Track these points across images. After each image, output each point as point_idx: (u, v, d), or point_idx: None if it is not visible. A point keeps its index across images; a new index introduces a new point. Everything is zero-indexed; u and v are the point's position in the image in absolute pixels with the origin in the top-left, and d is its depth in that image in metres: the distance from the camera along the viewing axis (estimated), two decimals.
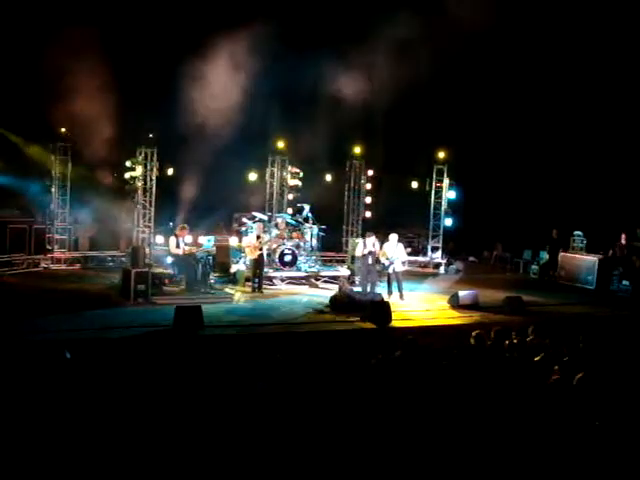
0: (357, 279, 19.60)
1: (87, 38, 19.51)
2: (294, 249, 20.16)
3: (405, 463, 6.82)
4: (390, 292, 18.11)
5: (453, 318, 16.28)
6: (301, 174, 24.12)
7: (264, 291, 18.46)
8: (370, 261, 17.91)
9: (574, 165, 25.20)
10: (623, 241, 21.55)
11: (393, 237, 18.28)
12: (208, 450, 7.21)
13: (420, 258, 24.67)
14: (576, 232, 23.74)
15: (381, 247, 18.08)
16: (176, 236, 17.78)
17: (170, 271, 18.52)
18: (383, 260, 17.96)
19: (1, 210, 20.59)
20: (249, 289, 18.47)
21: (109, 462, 6.91)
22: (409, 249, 19.61)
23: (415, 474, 6.73)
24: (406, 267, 19.06)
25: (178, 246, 17.70)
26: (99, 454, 7.02)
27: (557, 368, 8.54)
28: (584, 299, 19.63)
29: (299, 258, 20.29)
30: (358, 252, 18.58)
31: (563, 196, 25.33)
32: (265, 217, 21.07)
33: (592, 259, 21.61)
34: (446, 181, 25.08)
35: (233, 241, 20.89)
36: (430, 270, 24.44)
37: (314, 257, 21.42)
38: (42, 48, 19.50)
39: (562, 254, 22.70)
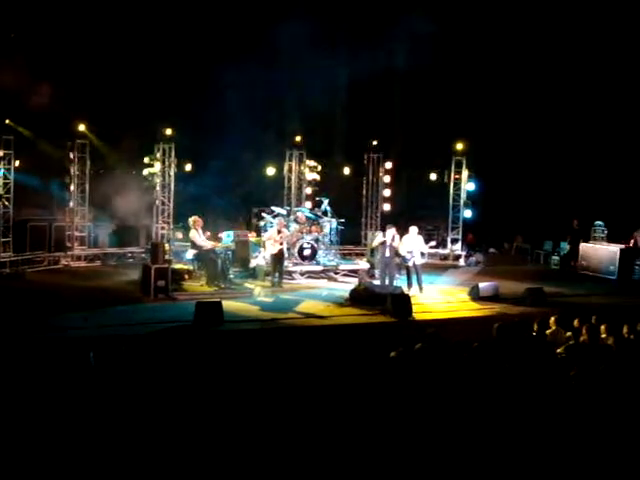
0: (376, 272, 19.56)
1: (104, 34, 19.61)
2: (313, 243, 20.14)
3: (426, 456, 6.79)
4: (410, 285, 18.03)
5: (473, 310, 16.21)
6: (319, 168, 24.09)
7: (284, 285, 18.43)
8: (388, 254, 17.81)
9: (594, 155, 24.97)
10: None
11: (413, 229, 18.19)
12: (229, 445, 7.20)
13: (440, 250, 24.55)
14: (597, 222, 23.56)
15: (400, 240, 17.99)
16: (195, 229, 17.82)
17: (190, 267, 18.57)
18: (404, 253, 17.86)
19: (21, 208, 20.70)
20: (269, 284, 18.45)
21: (129, 457, 6.93)
22: (433, 242, 19.49)
23: (437, 466, 6.69)
24: (425, 259, 18.99)
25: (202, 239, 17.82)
26: (119, 450, 7.03)
27: (580, 360, 8.47)
28: (606, 289, 19.47)
29: (318, 252, 20.27)
30: (375, 243, 18.58)
31: (583, 186, 25.10)
32: (284, 211, 21.06)
33: (614, 249, 21.41)
34: (465, 173, 24.92)
35: (252, 236, 20.88)
36: (450, 262, 24.33)
37: (333, 251, 21.39)
38: (59, 44, 19.62)
39: (583, 244, 22.53)
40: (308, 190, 24.11)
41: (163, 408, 8.12)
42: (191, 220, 18.04)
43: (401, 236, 17.97)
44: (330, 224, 21.26)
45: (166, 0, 21.38)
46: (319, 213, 21.35)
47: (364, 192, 25.84)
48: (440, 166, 25.76)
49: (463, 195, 25.03)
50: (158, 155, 21.79)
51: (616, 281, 20.69)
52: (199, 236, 17.77)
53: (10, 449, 6.93)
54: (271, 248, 18.44)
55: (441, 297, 17.66)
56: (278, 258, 18.41)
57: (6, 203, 19.39)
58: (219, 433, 7.46)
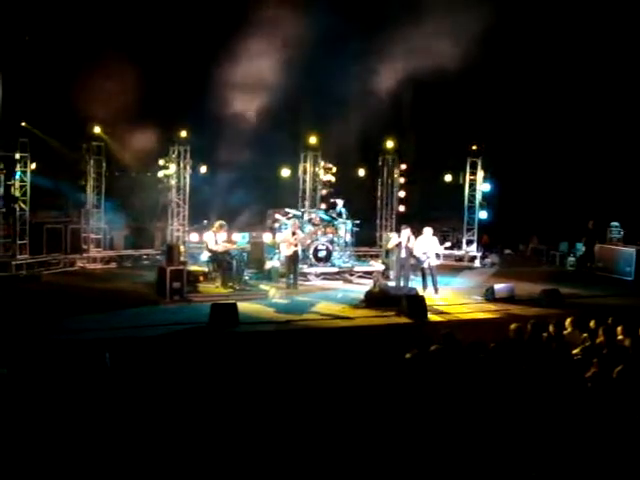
0: (392, 274, 19.49)
1: (119, 36, 19.66)
2: (328, 245, 20.12)
3: (442, 456, 6.77)
4: (425, 286, 17.96)
5: (489, 312, 16.14)
6: (334, 169, 24.08)
7: (299, 287, 18.43)
8: (403, 255, 17.78)
9: (610, 155, 24.84)
10: None
11: (427, 230, 18.12)
12: (243, 445, 7.21)
13: (455, 251, 24.47)
14: (613, 223, 23.43)
15: (415, 241, 17.94)
16: (213, 233, 17.84)
17: (205, 268, 18.59)
18: (418, 254, 17.80)
19: (38, 211, 20.80)
20: (284, 285, 18.45)
21: (144, 456, 6.95)
22: (448, 243, 19.39)
23: (452, 467, 6.68)
24: (440, 261, 18.94)
25: (216, 243, 17.76)
26: (134, 449, 7.06)
27: (596, 361, 8.43)
28: (623, 290, 19.36)
29: (333, 253, 20.25)
30: (391, 244, 18.56)
31: (599, 187, 24.97)
32: (298, 213, 21.05)
33: (630, 250, 21.31)
34: (480, 174, 24.81)
35: (267, 238, 20.89)
36: (465, 263, 24.26)
37: (348, 252, 21.38)
38: (73, 48, 19.70)
39: (599, 245, 22.44)
40: (323, 192, 24.09)
41: (178, 408, 8.14)
42: (216, 224, 18.06)
43: (416, 237, 17.93)
44: (345, 226, 21.25)
45: (182, 2, 21.41)
46: (334, 215, 21.31)
47: (379, 193, 25.78)
48: (455, 167, 25.70)
49: (478, 196, 24.92)
50: (173, 157, 21.86)
51: (632, 282, 20.57)
52: (212, 239, 17.77)
53: (26, 447, 6.97)
54: (286, 250, 18.43)
55: (456, 299, 17.60)
56: (293, 260, 18.41)
57: (22, 206, 19.48)
58: (234, 433, 7.47)
